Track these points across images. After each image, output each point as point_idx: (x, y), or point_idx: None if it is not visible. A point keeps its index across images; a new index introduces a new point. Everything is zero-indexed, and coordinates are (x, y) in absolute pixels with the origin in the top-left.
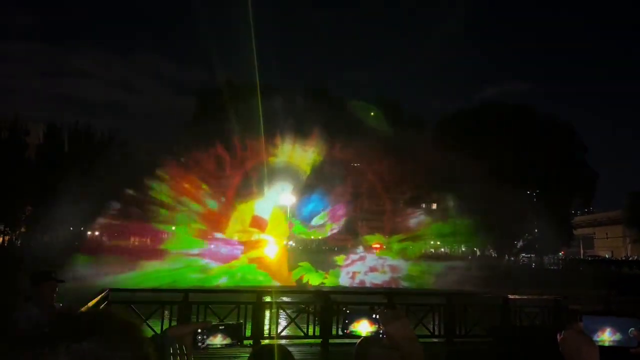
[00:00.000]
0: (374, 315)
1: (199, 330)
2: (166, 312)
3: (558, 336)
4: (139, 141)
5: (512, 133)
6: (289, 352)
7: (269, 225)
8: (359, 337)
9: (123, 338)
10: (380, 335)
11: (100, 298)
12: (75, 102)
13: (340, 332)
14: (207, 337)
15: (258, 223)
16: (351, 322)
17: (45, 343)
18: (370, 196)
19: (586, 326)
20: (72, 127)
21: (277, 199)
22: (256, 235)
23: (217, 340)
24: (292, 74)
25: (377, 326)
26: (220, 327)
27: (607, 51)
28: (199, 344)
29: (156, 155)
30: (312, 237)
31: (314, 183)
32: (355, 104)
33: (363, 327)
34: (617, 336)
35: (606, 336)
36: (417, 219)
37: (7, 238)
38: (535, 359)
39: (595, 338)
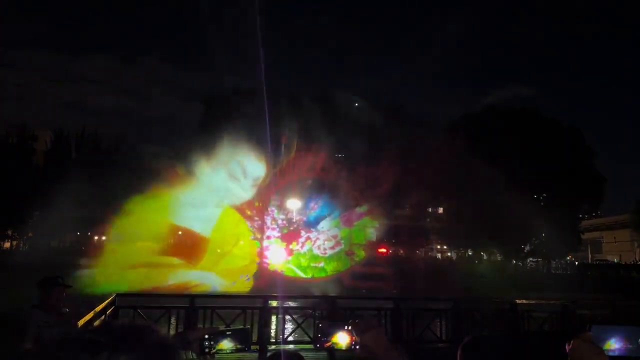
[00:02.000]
0: (346, 327)
1: (207, 336)
2: (172, 317)
3: (567, 345)
4: (146, 146)
5: (519, 137)
6: (302, 359)
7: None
8: (340, 350)
9: (160, 355)
10: (354, 347)
11: (108, 303)
12: (82, 109)
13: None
14: (215, 342)
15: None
16: (325, 335)
17: (87, 350)
18: (376, 200)
19: (595, 335)
20: (78, 133)
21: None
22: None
23: (225, 345)
24: (298, 80)
25: (351, 338)
26: (228, 332)
27: (613, 54)
28: (206, 349)
29: (162, 161)
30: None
31: (319, 188)
32: (360, 109)
33: (341, 340)
34: (627, 346)
35: (615, 345)
36: (424, 224)
37: (14, 243)
38: None
39: (605, 347)
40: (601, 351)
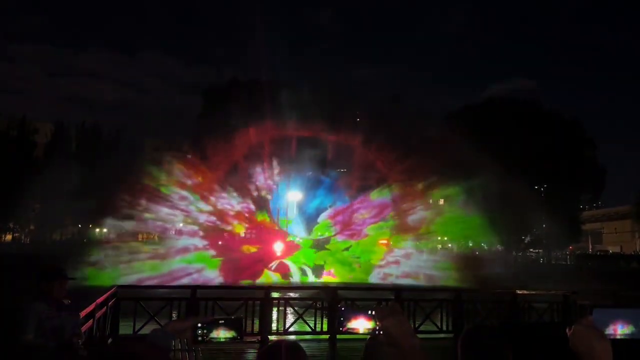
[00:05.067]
0: (369, 312)
1: (200, 325)
2: (174, 309)
3: (567, 331)
4: (146, 139)
5: (520, 128)
6: (302, 349)
7: None
8: (356, 333)
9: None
10: (377, 332)
11: (109, 295)
12: (83, 102)
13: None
14: (208, 331)
15: None
16: (347, 319)
17: None
18: (377, 191)
19: (596, 320)
20: (79, 125)
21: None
22: None
23: (218, 334)
24: (299, 71)
25: (374, 322)
26: (221, 322)
27: (618, 46)
28: (200, 338)
29: (163, 152)
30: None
31: (320, 177)
32: (361, 100)
33: (360, 324)
34: (630, 329)
35: (618, 329)
36: (425, 214)
37: (16, 235)
38: (545, 355)
39: (607, 332)
40: (603, 335)
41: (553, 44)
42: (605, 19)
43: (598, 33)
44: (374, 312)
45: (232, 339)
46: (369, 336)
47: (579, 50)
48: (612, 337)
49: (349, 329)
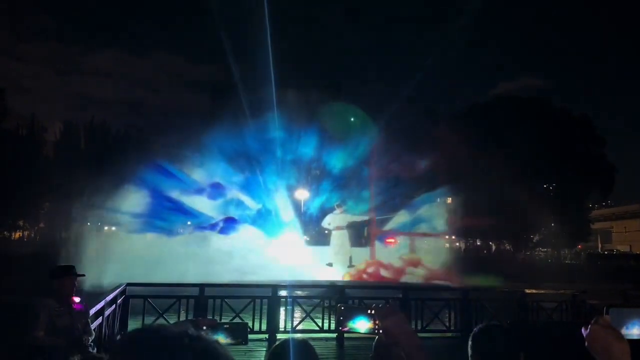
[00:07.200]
0: (369, 311)
1: (205, 328)
2: (182, 307)
3: (583, 331)
4: (155, 136)
5: (528, 126)
6: (311, 347)
7: None
8: (358, 333)
9: None
10: (377, 331)
11: (119, 292)
12: (92, 101)
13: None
14: (213, 334)
15: None
16: (346, 319)
17: None
18: (383, 189)
19: (613, 319)
20: (87, 123)
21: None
22: None
23: (222, 337)
24: (306, 71)
25: (373, 322)
26: (226, 326)
27: (629, 43)
28: None
29: (171, 150)
30: None
31: (325, 175)
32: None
33: (361, 324)
34: None
35: (635, 329)
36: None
37: (27, 233)
38: (556, 355)
39: (624, 332)
40: (621, 336)
41: (562, 41)
42: (615, 15)
43: (608, 29)
44: (373, 312)
45: (236, 344)
46: (377, 336)
47: (589, 46)
48: (629, 337)
49: (351, 329)
